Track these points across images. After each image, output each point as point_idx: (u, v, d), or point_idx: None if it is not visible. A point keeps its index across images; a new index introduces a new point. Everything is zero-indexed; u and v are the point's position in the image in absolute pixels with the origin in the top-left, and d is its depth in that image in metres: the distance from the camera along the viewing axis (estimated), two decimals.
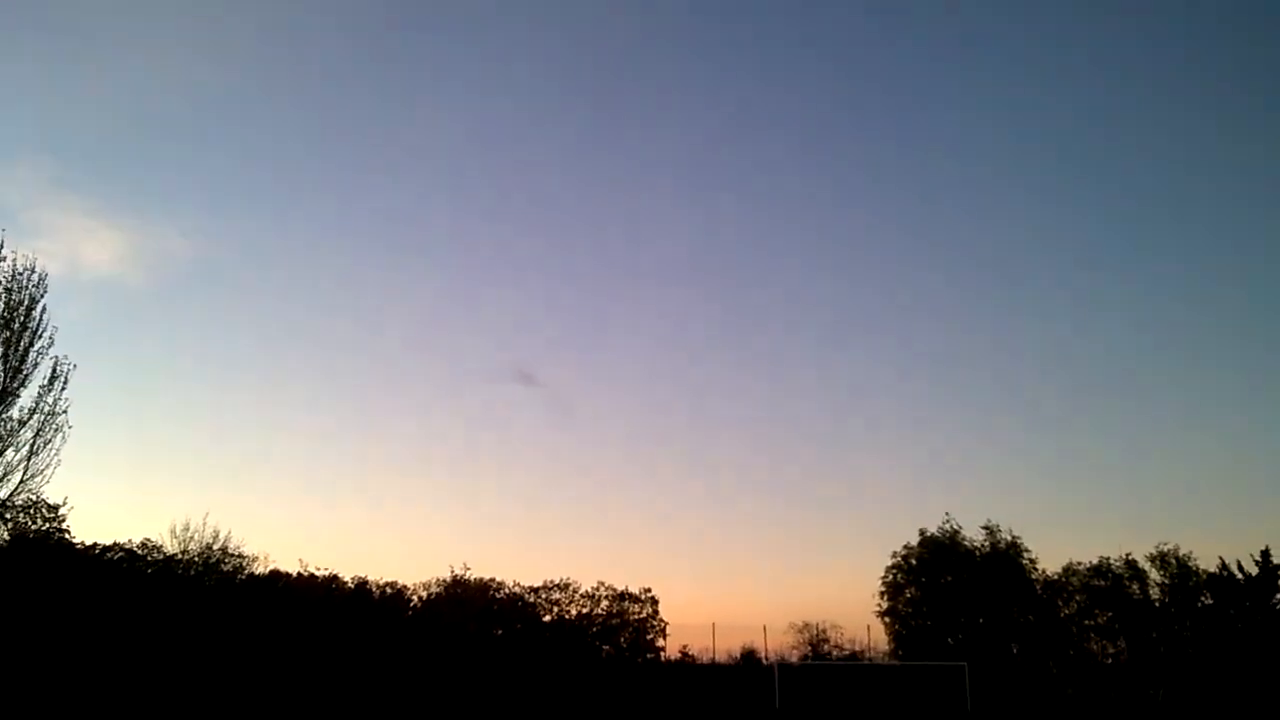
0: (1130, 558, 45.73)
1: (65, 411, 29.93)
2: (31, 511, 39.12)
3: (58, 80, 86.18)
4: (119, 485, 67.15)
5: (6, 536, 39.37)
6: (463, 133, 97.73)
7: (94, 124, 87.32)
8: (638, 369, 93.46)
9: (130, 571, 43.89)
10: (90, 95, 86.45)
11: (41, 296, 29.90)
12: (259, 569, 46.31)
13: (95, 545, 44.16)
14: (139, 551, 44.60)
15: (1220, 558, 44.18)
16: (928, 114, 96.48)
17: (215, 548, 44.44)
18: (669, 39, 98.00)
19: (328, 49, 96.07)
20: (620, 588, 48.32)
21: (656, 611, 48.07)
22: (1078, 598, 46.03)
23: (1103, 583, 45.67)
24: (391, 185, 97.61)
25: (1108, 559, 46.00)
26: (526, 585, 48.31)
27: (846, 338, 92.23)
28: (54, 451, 29.69)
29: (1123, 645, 45.58)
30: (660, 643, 47.74)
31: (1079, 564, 46.36)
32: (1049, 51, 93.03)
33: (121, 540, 44.88)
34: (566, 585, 48.40)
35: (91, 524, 54.12)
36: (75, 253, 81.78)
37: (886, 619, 46.45)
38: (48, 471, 29.71)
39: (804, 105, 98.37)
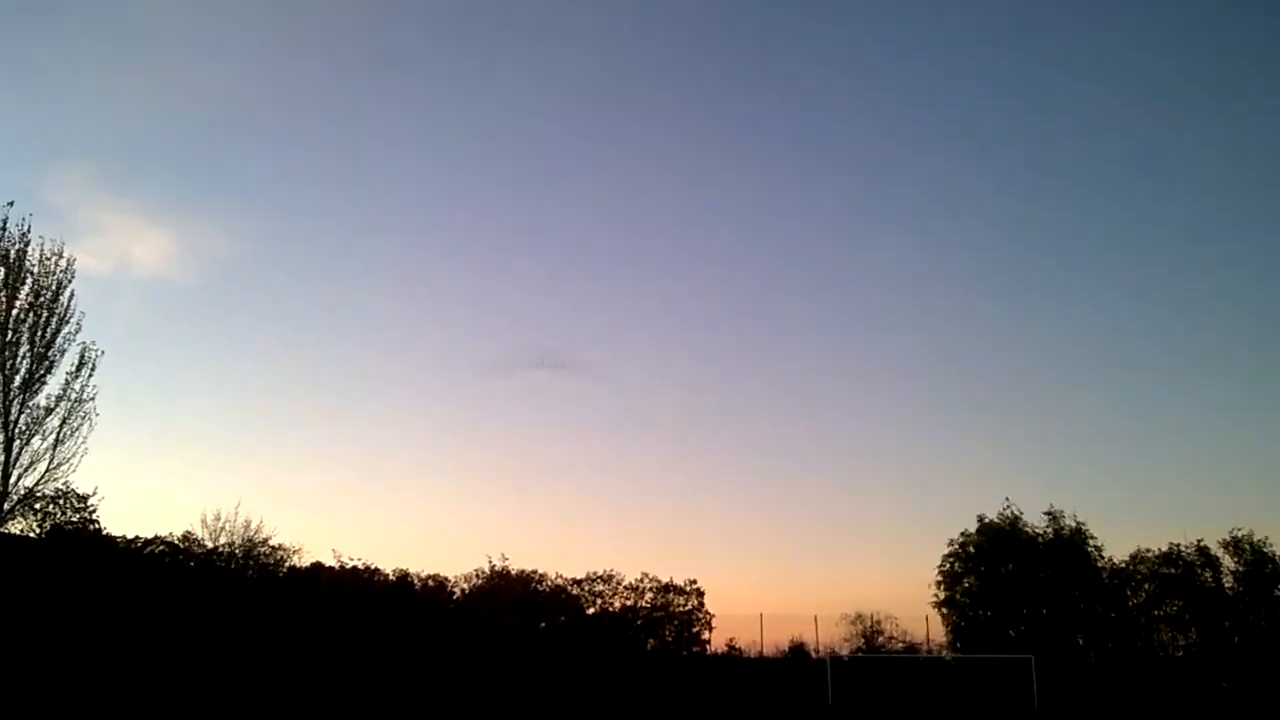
0: (1202, 544, 43.62)
1: (93, 399, 29.56)
2: (61, 501, 38.96)
3: (105, 84, 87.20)
4: (154, 478, 67.61)
5: (37, 529, 39.19)
6: (488, 118, 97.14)
7: (141, 126, 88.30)
8: (682, 355, 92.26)
9: (173, 565, 43.63)
10: (137, 98, 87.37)
11: (69, 282, 29.53)
12: (298, 561, 45.96)
13: (136, 539, 43.95)
14: (180, 545, 44.29)
15: None
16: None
17: (255, 539, 44.07)
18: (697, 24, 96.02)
19: (359, 50, 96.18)
20: (665, 579, 47.50)
21: (702, 604, 47.18)
22: (1146, 586, 44.01)
23: (1173, 570, 43.60)
24: (423, 177, 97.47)
25: (1178, 545, 43.94)
26: (569, 577, 47.60)
27: (901, 318, 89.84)
28: (81, 440, 29.39)
29: (1194, 636, 43.56)
30: (706, 635, 46.79)
31: (1147, 551, 44.38)
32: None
33: (162, 533, 44.76)
34: (610, 577, 47.56)
35: (125, 516, 54.50)
36: (123, 252, 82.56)
37: (944, 610, 44.50)
38: (75, 460, 29.45)
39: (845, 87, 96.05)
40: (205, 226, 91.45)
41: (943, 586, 44.72)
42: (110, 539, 42.33)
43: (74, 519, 40.37)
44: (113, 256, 78.65)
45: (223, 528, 43.70)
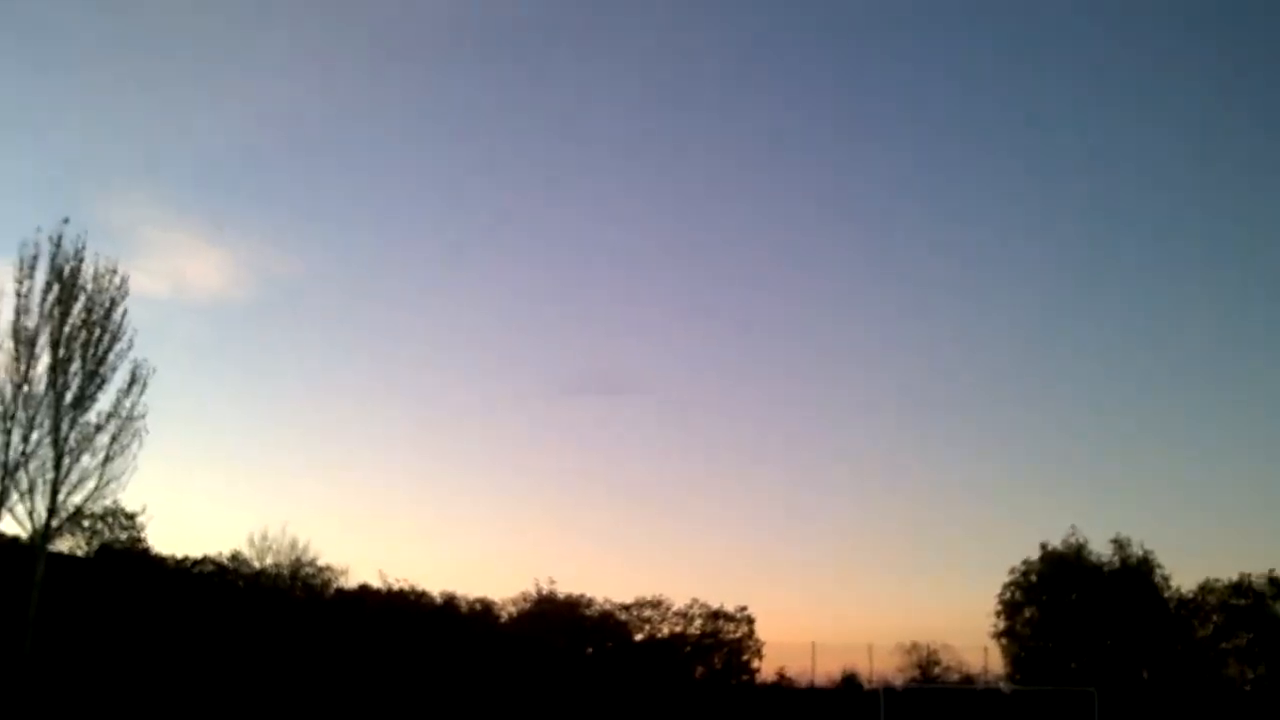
0: (1273, 574, 42.53)
1: (143, 416, 29.43)
2: (109, 519, 38.99)
3: (164, 104, 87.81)
4: (204, 497, 67.09)
5: (84, 546, 39.24)
6: (550, 142, 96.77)
7: (200, 146, 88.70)
8: (732, 377, 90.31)
9: (221, 586, 43.50)
10: (196, 118, 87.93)
11: (123, 299, 29.54)
12: (345, 582, 45.58)
13: (186, 558, 43.86)
14: (229, 565, 44.18)
15: None
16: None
17: (302, 559, 43.78)
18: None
19: (426, 71, 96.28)
20: (715, 605, 46.60)
21: (752, 631, 46.25)
22: (1215, 618, 42.95)
23: (1243, 601, 42.54)
24: (484, 199, 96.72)
25: (1248, 575, 42.84)
26: (617, 602, 46.69)
27: (963, 341, 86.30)
28: (131, 457, 29.21)
29: (1264, 669, 42.30)
30: (756, 664, 45.86)
31: (1216, 581, 43.24)
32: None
33: (211, 553, 44.50)
34: (659, 603, 46.72)
35: (174, 536, 54.13)
36: (184, 273, 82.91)
37: (1003, 640, 43.59)
38: (124, 478, 29.27)
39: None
40: (263, 245, 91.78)
41: (1003, 616, 43.79)
42: (159, 558, 42.30)
43: (122, 537, 40.41)
44: (171, 276, 79.01)
45: (269, 548, 43.38)
